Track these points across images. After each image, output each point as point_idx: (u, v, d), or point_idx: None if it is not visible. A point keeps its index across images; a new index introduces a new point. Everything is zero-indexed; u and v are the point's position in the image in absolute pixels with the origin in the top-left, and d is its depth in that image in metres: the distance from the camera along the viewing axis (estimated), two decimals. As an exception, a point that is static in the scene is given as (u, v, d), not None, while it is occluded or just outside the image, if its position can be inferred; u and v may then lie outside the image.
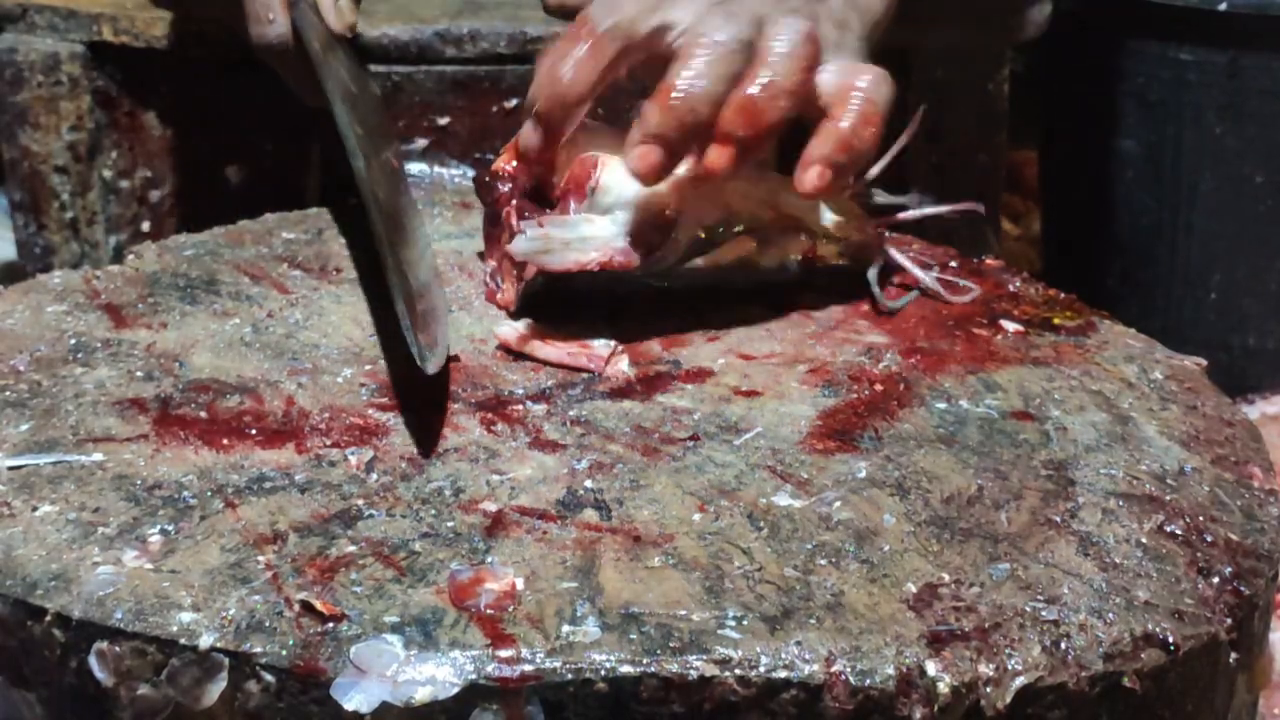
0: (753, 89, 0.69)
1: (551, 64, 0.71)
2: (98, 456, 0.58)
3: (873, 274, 0.75)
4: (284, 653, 0.48)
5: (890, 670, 0.49)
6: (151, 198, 1.05)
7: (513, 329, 0.69)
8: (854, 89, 0.71)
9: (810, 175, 0.70)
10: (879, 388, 0.66)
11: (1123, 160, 1.38)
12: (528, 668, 0.47)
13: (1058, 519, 0.57)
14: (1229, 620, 0.53)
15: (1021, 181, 1.73)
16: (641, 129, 0.69)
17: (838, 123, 0.71)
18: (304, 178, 1.05)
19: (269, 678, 0.48)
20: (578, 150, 0.72)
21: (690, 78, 0.69)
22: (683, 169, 0.71)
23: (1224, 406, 0.67)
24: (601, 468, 0.59)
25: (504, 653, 0.48)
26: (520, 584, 0.51)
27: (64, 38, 1.01)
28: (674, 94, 0.68)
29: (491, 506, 0.56)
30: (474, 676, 0.47)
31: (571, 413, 0.63)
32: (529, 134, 0.71)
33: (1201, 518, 0.58)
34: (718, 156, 0.69)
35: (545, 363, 0.68)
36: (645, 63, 0.72)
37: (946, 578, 0.53)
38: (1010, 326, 0.73)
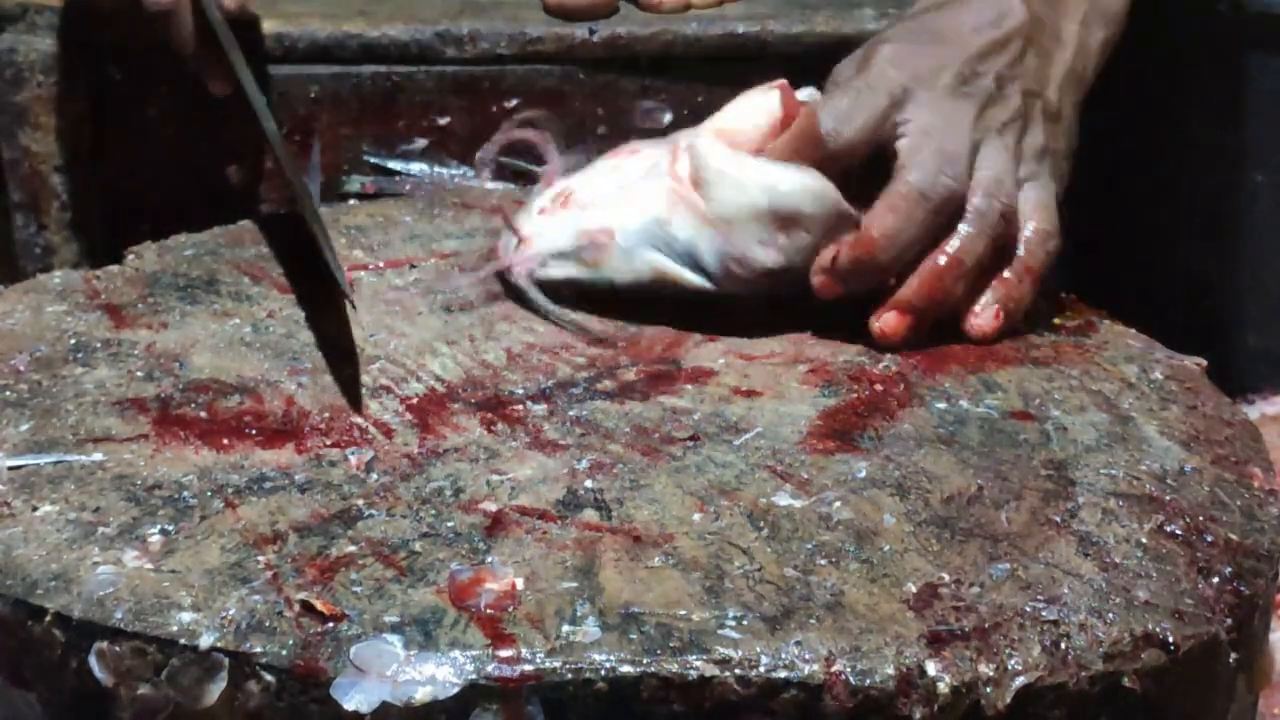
0: (942, 262, 0.70)
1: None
2: (98, 456, 0.58)
3: None
4: (284, 653, 0.48)
5: (890, 670, 0.49)
6: (151, 198, 1.04)
7: None
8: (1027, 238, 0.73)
9: (983, 320, 0.72)
10: (879, 388, 0.66)
11: (1123, 160, 1.38)
12: (528, 668, 0.48)
13: (1058, 519, 0.57)
14: (1229, 620, 0.53)
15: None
16: (830, 265, 0.70)
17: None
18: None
19: (269, 678, 0.48)
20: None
21: (891, 234, 0.69)
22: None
23: (1224, 406, 0.67)
24: (601, 468, 0.59)
25: (504, 653, 0.48)
26: (520, 584, 0.51)
27: (64, 38, 1.01)
28: (870, 249, 0.69)
29: (491, 506, 0.56)
30: (474, 676, 0.47)
31: (572, 413, 0.63)
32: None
33: (1201, 518, 0.58)
34: (897, 324, 0.70)
35: None
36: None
37: (946, 578, 0.53)
38: (1010, 326, 0.73)
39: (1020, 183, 0.73)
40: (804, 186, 0.69)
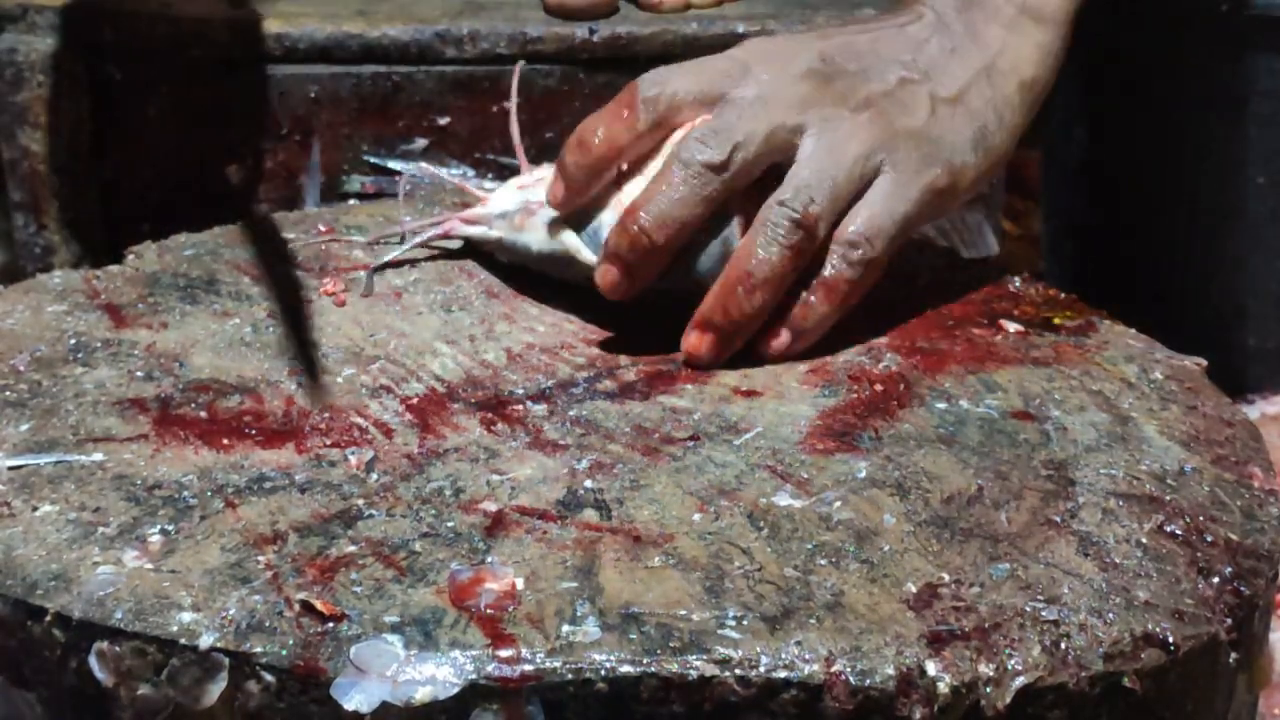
0: (731, 277, 0.67)
1: (587, 123, 0.70)
2: (98, 456, 0.58)
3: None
4: (284, 653, 0.48)
5: (890, 670, 0.49)
6: (151, 198, 1.04)
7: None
8: (841, 251, 0.68)
9: (690, 340, 0.68)
10: (879, 388, 0.66)
11: (1123, 160, 1.38)
12: (528, 668, 0.48)
13: (1058, 519, 0.57)
14: (1229, 620, 0.53)
15: (1021, 181, 1.73)
16: (606, 249, 0.69)
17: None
18: (304, 177, 1.05)
19: (269, 678, 0.48)
20: None
21: (658, 204, 0.67)
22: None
23: (1224, 406, 0.67)
24: (602, 468, 0.59)
25: (504, 653, 0.48)
26: (520, 584, 0.51)
27: (64, 38, 1.01)
28: (632, 214, 0.67)
29: (491, 506, 0.56)
30: (474, 676, 0.47)
31: (572, 413, 0.63)
32: (554, 186, 0.71)
33: (1201, 518, 0.58)
34: (697, 342, 0.68)
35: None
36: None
37: (946, 578, 0.53)
38: (1010, 326, 0.73)
39: (874, 171, 0.69)
40: None
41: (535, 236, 0.73)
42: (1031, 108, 0.75)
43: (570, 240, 0.71)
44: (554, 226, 0.72)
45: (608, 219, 0.70)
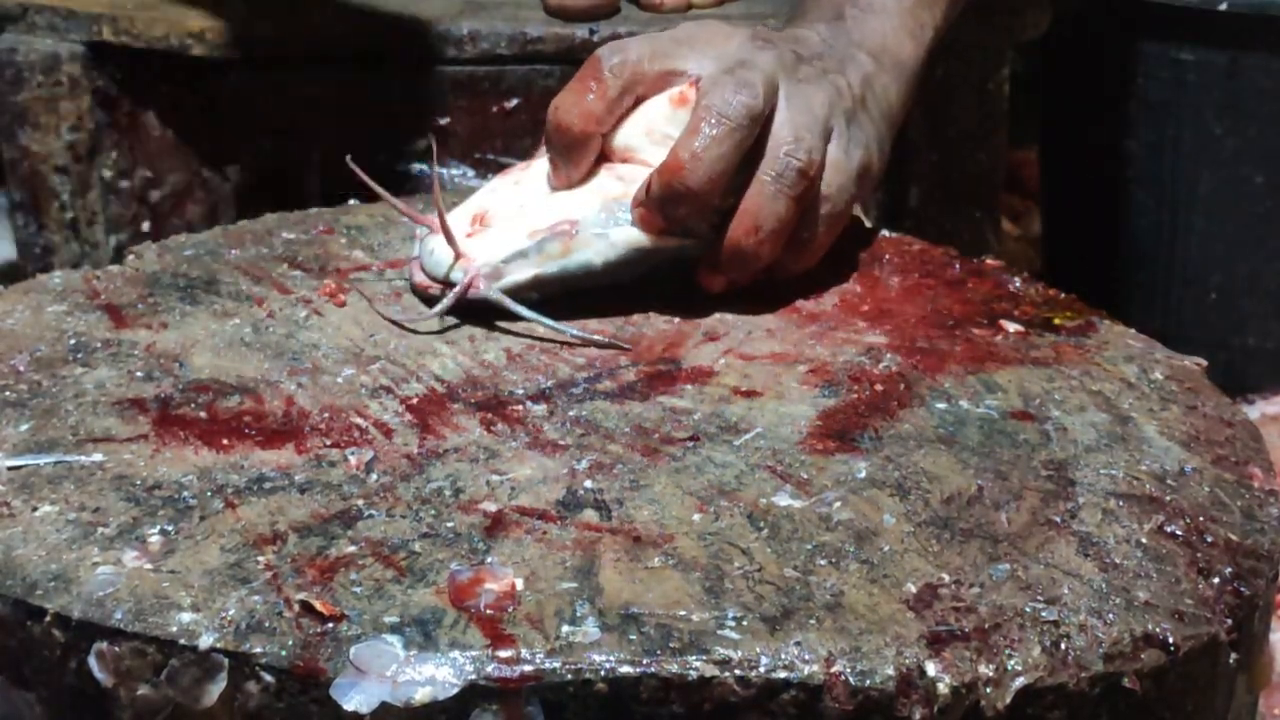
0: (745, 236, 0.71)
1: (558, 104, 0.72)
2: (97, 457, 0.58)
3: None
4: (283, 653, 0.48)
5: (890, 671, 0.49)
6: (151, 198, 1.05)
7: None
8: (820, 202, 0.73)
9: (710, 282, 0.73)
10: (879, 388, 0.66)
11: (1123, 160, 1.38)
12: (527, 668, 0.47)
13: (1058, 519, 0.57)
14: (1229, 621, 0.53)
15: (1021, 181, 1.73)
16: (645, 195, 0.70)
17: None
18: (304, 178, 1.05)
19: (268, 678, 0.48)
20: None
21: (698, 153, 0.69)
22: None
23: (1224, 407, 0.67)
24: (601, 468, 0.59)
25: (503, 653, 0.48)
26: (520, 584, 0.51)
27: (64, 38, 1.01)
28: (679, 172, 0.69)
29: (491, 507, 0.56)
30: (473, 677, 0.47)
31: (571, 413, 0.63)
32: (556, 175, 0.73)
33: (1201, 518, 0.58)
34: (711, 282, 0.73)
35: None
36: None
37: (946, 578, 0.53)
38: (1010, 326, 0.73)
39: (826, 132, 0.74)
40: None
41: (594, 249, 0.71)
42: (895, 134, 0.81)
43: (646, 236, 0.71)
44: (611, 233, 0.71)
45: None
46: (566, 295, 0.71)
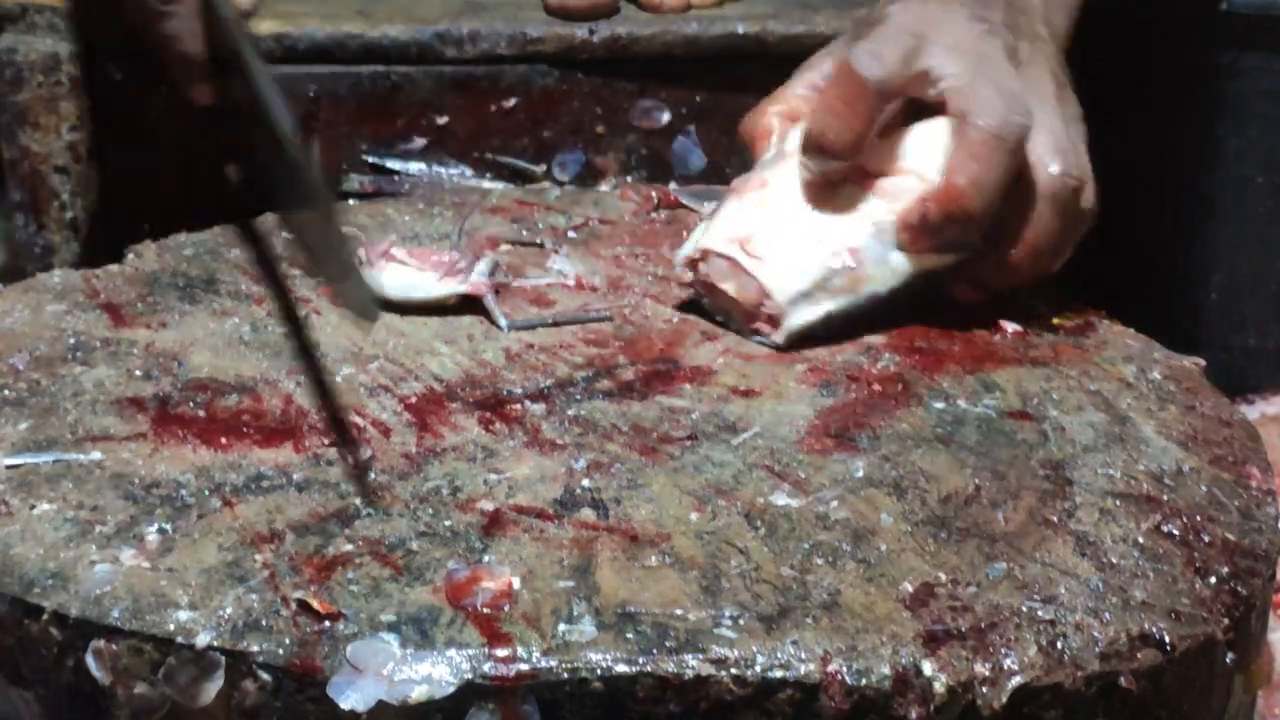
0: (1027, 260, 0.71)
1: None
2: (96, 455, 0.58)
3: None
4: (280, 651, 0.48)
5: (886, 670, 0.49)
6: (151, 198, 1.05)
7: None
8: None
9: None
10: (877, 387, 0.66)
11: (1123, 160, 1.38)
12: (524, 667, 0.48)
13: (1055, 519, 0.57)
14: (1226, 620, 0.53)
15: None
16: (920, 221, 0.69)
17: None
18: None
19: (266, 676, 0.48)
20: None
21: (978, 180, 0.68)
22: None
23: (1222, 407, 0.67)
24: (599, 467, 0.59)
25: (500, 652, 0.48)
26: (517, 583, 0.51)
27: (64, 38, 1.01)
28: (961, 200, 0.68)
29: (489, 505, 0.56)
30: (470, 675, 0.47)
31: (570, 412, 0.63)
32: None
33: (1199, 518, 0.58)
34: (969, 295, 0.73)
35: None
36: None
37: (943, 577, 0.53)
38: (1009, 326, 0.73)
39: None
40: None
41: (879, 278, 0.70)
42: None
43: (929, 257, 0.70)
44: (893, 257, 0.70)
45: None
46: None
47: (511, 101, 1.02)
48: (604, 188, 1.01)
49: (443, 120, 1.02)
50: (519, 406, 0.64)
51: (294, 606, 0.49)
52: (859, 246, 0.69)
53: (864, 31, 0.72)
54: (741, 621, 0.50)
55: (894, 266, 0.70)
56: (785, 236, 0.69)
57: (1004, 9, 0.74)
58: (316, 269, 0.73)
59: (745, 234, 0.70)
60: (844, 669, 0.48)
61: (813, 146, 0.70)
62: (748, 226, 0.70)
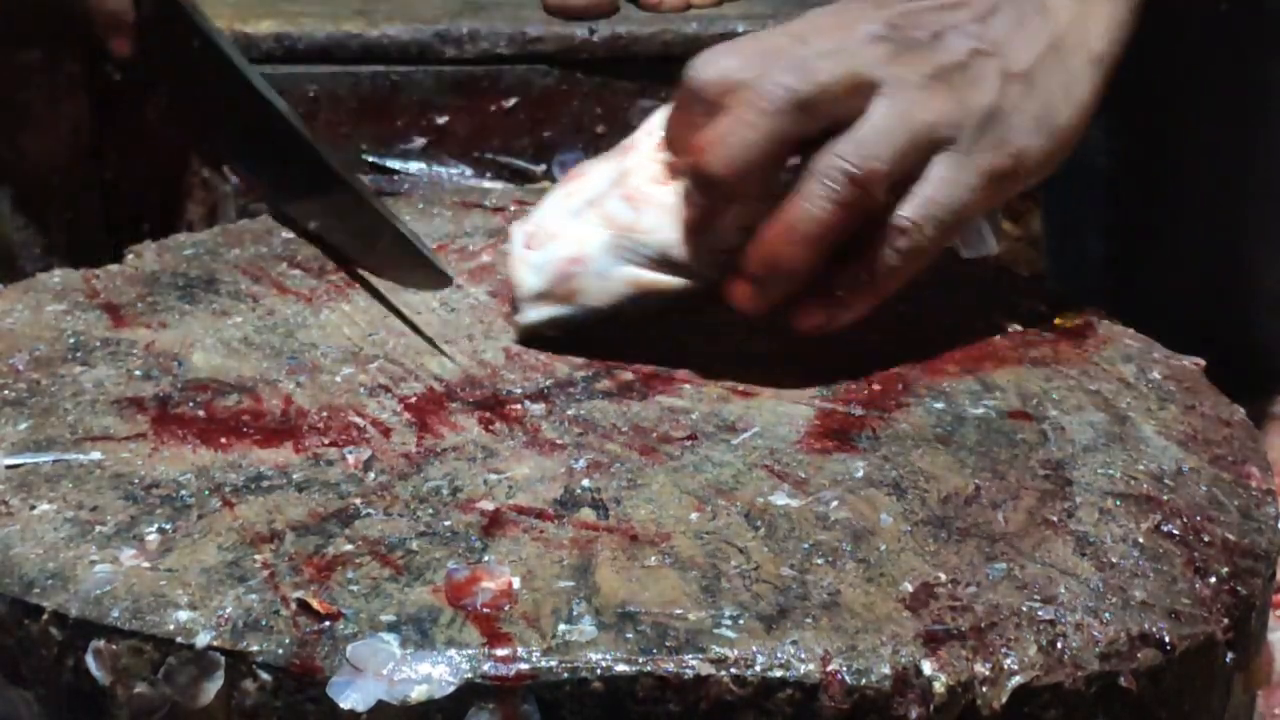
0: (771, 227, 0.63)
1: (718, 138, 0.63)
2: (96, 455, 0.58)
3: None
4: (280, 651, 0.48)
5: (886, 669, 0.49)
6: (151, 198, 1.05)
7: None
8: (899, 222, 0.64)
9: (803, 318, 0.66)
10: (877, 387, 0.66)
11: (1123, 160, 1.38)
12: (524, 666, 0.48)
13: (1055, 519, 0.57)
14: (1226, 620, 0.53)
15: (1022, 182, 1.73)
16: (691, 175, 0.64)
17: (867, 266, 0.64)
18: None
19: (265, 676, 0.48)
20: None
21: (720, 136, 0.63)
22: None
23: (1222, 406, 0.67)
24: (599, 467, 0.59)
25: (500, 651, 0.48)
26: (517, 583, 0.51)
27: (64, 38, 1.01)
28: (700, 154, 0.63)
29: (489, 505, 0.56)
30: (470, 675, 0.47)
31: (570, 412, 0.63)
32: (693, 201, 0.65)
33: (1199, 517, 0.58)
34: (740, 292, 0.66)
35: None
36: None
37: (943, 577, 0.53)
38: (1009, 326, 0.73)
39: (937, 146, 0.64)
40: None
41: (593, 294, 0.67)
42: (1101, 84, 0.70)
43: (646, 276, 0.66)
44: (613, 274, 0.66)
45: (669, 232, 0.66)
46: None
47: (511, 101, 1.02)
48: (604, 187, 1.01)
49: (443, 120, 1.02)
50: (519, 406, 0.64)
51: (294, 606, 0.49)
52: (584, 257, 0.66)
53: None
54: (741, 621, 0.50)
55: (610, 285, 0.66)
56: (553, 235, 0.68)
57: (967, 16, 0.67)
58: (358, 254, 0.73)
59: (535, 225, 0.68)
60: (844, 669, 0.48)
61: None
62: (541, 218, 0.69)
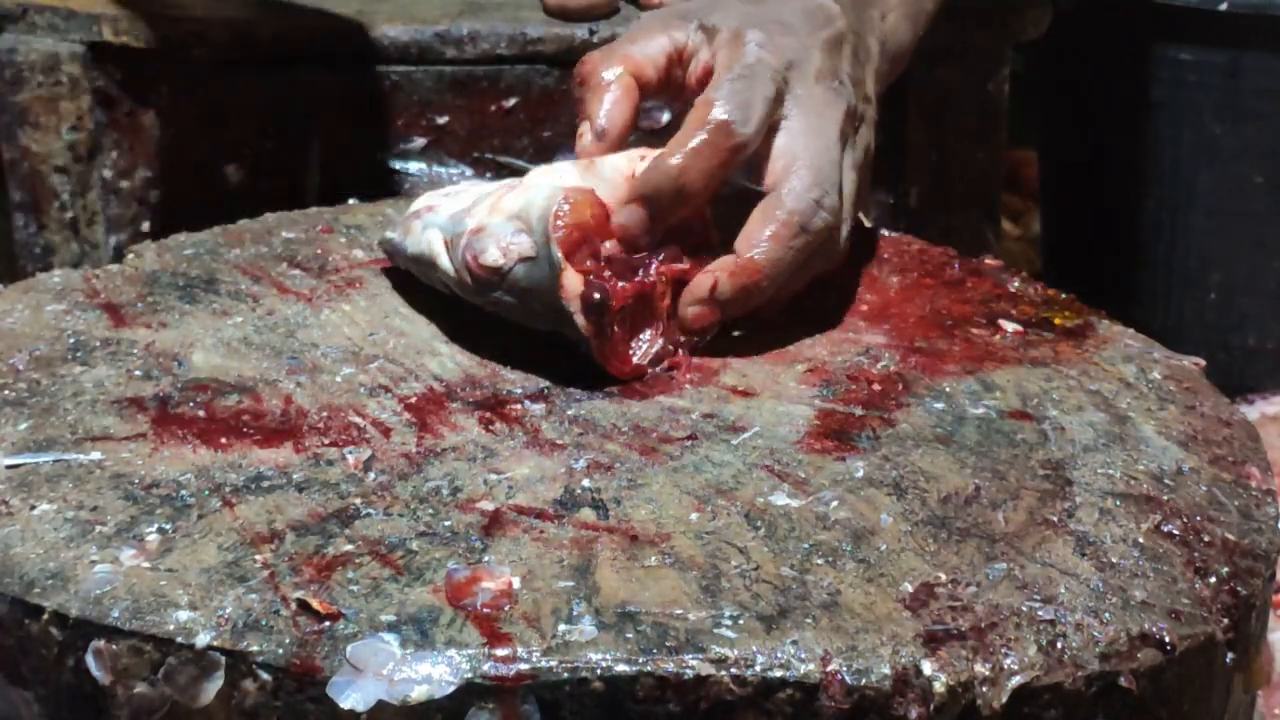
0: (754, 280, 0.68)
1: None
2: (96, 455, 0.58)
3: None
4: (280, 651, 0.48)
5: (886, 669, 0.49)
6: (151, 198, 1.05)
7: None
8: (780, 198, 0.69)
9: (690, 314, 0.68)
10: (877, 387, 0.66)
11: (1122, 160, 1.38)
12: (524, 667, 0.48)
13: (1055, 519, 0.57)
14: (1225, 620, 0.53)
15: (1021, 181, 1.73)
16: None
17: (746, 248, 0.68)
18: (304, 178, 1.05)
19: (265, 676, 0.48)
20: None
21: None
22: None
23: (1222, 406, 0.67)
24: (599, 467, 0.59)
25: (500, 652, 0.48)
26: (517, 583, 0.51)
27: (64, 38, 1.01)
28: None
29: (489, 506, 0.56)
30: (470, 675, 0.47)
31: (570, 412, 0.63)
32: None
33: (1199, 518, 0.58)
34: (700, 317, 0.69)
35: None
36: None
37: (943, 577, 0.53)
38: (1009, 326, 0.73)
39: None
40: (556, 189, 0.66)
41: (414, 239, 0.71)
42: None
43: (436, 248, 0.69)
44: (429, 231, 0.70)
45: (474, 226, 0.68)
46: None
47: (511, 101, 1.02)
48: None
49: (443, 120, 1.02)
50: (519, 406, 0.64)
51: (294, 606, 0.49)
52: (433, 207, 0.71)
53: (735, 51, 0.71)
54: (741, 621, 0.50)
55: (421, 238, 0.70)
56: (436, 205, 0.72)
57: (853, 17, 0.75)
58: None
59: (476, 222, 0.69)
60: (843, 669, 0.48)
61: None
62: (480, 212, 0.69)
